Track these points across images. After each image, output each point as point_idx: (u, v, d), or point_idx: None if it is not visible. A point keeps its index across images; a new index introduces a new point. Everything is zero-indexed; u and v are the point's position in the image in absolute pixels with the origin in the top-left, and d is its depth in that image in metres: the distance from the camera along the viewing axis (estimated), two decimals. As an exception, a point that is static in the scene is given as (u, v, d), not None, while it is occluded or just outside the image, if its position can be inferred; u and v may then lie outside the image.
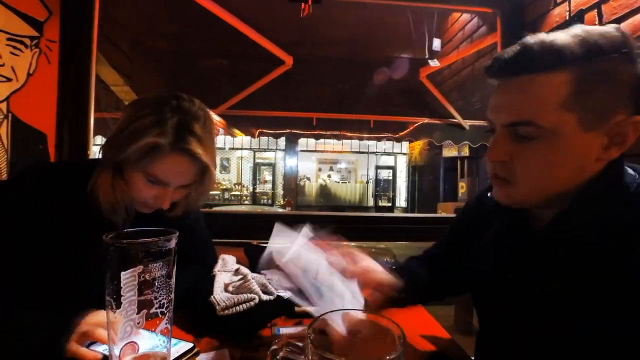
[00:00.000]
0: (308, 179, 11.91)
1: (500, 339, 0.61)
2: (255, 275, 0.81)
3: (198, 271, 0.85)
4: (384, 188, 12.05)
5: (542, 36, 0.46)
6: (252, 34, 2.64)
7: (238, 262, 0.91)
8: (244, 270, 0.81)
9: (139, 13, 2.89)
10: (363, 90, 3.53)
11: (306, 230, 0.63)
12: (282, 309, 0.77)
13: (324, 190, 11.57)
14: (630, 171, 0.49)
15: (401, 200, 11.86)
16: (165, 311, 0.43)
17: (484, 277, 0.62)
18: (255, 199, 11.02)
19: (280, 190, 11.06)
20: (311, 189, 11.48)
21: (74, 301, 0.62)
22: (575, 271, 0.47)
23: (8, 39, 1.06)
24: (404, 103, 3.85)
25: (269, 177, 11.67)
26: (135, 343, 0.41)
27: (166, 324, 0.43)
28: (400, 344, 0.30)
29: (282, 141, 10.45)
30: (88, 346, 0.57)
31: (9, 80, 1.07)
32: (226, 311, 0.68)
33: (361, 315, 0.40)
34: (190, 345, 0.61)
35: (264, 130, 4.02)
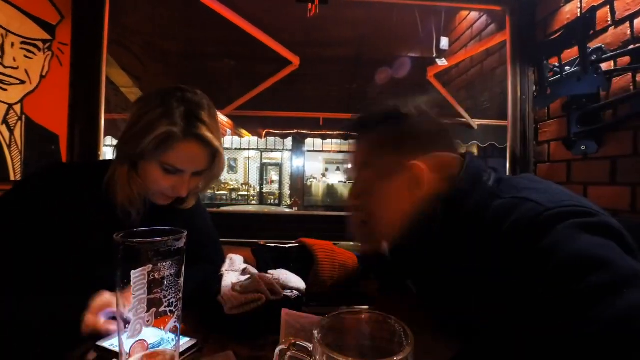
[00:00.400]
0: (315, 179, 11.91)
1: None
2: (262, 275, 0.81)
3: (206, 270, 0.86)
4: (391, 188, 11.97)
5: (368, 111, 0.66)
6: (260, 35, 2.65)
7: (245, 261, 0.92)
8: (252, 269, 0.82)
9: (148, 16, 2.93)
10: (370, 90, 3.51)
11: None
12: (289, 308, 0.77)
13: (331, 190, 11.55)
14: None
15: (408, 201, 11.77)
16: (174, 310, 0.43)
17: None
18: (262, 199, 11.07)
19: (287, 190, 11.08)
20: (318, 189, 11.47)
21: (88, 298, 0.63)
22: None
23: (22, 43, 1.08)
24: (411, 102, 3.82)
25: (275, 177, 11.71)
26: (145, 341, 0.41)
27: (175, 322, 0.44)
28: (408, 344, 0.30)
29: (289, 141, 10.47)
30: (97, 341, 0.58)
31: (22, 82, 1.10)
32: (233, 310, 0.69)
33: (369, 314, 0.41)
34: (194, 341, 0.61)
35: (271, 131, 4.04)
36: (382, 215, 0.60)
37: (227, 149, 11.32)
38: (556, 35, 1.32)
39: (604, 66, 1.11)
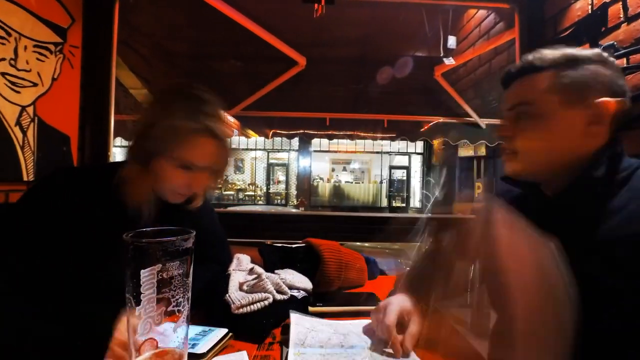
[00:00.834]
0: (321, 179, 11.91)
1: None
2: (269, 274, 0.81)
3: (214, 269, 0.87)
4: (398, 188, 11.91)
5: (539, 52, 0.64)
6: (266, 35, 2.66)
7: (252, 261, 0.92)
8: (258, 269, 0.82)
9: (157, 18, 2.96)
10: (376, 90, 3.50)
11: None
12: (296, 308, 0.77)
13: (337, 190, 11.54)
14: (632, 160, 0.59)
15: (415, 201, 11.70)
16: (182, 309, 0.43)
17: None
18: (269, 199, 11.12)
19: (293, 191, 11.11)
20: (324, 189, 11.47)
21: (101, 299, 0.63)
22: (583, 234, 0.56)
23: (34, 46, 1.11)
24: (419, 102, 3.80)
25: (282, 178, 11.74)
26: (154, 339, 0.42)
27: (183, 321, 0.44)
28: None
29: (295, 141, 10.49)
30: None
31: (35, 85, 1.12)
32: (241, 309, 0.69)
33: None
34: (225, 330, 0.64)
35: (278, 131, 4.05)
36: (543, 145, 0.61)
37: (234, 149, 11.33)
38: (567, 32, 1.30)
39: (617, 64, 1.09)
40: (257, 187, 11.27)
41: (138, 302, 0.40)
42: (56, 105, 1.21)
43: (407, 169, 11.88)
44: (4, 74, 1.01)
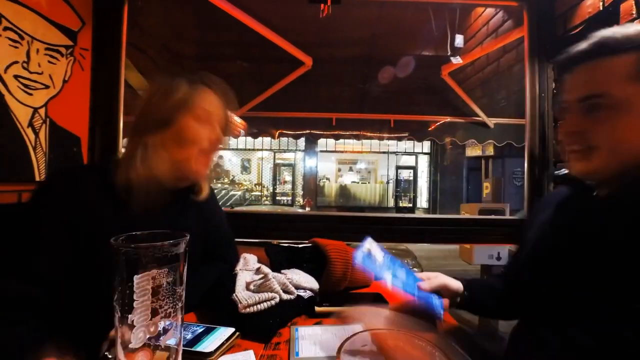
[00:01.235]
0: (327, 179, 11.91)
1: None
2: (275, 274, 0.82)
3: (221, 268, 0.88)
4: (405, 188, 11.85)
5: (613, 28, 0.55)
6: (272, 36, 2.67)
7: (259, 261, 0.92)
8: (265, 269, 0.82)
9: (165, 20, 2.99)
10: (383, 89, 3.49)
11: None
12: (303, 308, 0.77)
13: (343, 190, 11.53)
14: None
15: (422, 201, 11.63)
16: (172, 320, 0.40)
17: (544, 246, 0.65)
18: (275, 199, 11.16)
19: (299, 191, 11.13)
20: (331, 190, 11.47)
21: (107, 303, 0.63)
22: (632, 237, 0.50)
23: (46, 49, 1.13)
24: (425, 101, 3.77)
25: (288, 178, 11.78)
26: (148, 349, 0.40)
27: (175, 332, 0.41)
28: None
29: (301, 142, 10.52)
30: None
31: (47, 87, 1.14)
32: (248, 309, 0.70)
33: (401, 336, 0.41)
34: (232, 330, 0.64)
35: (284, 131, 4.06)
36: (628, 142, 0.52)
37: (240, 149, 11.45)
38: (577, 30, 1.28)
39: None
40: (264, 187, 11.32)
41: (124, 310, 0.37)
42: (67, 107, 1.23)
43: (414, 169, 11.82)
44: (17, 77, 1.03)
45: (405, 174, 11.94)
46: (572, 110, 0.57)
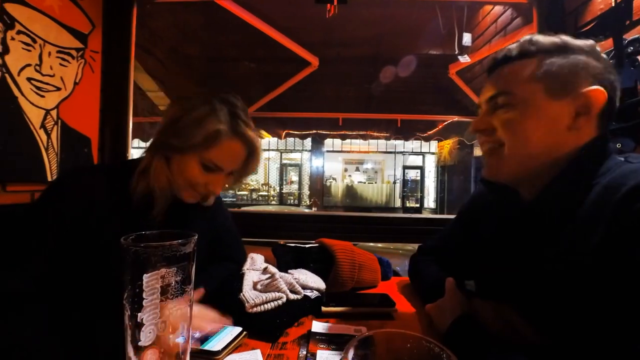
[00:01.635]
0: (334, 179, 11.90)
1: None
2: (282, 274, 0.82)
3: (229, 268, 0.88)
4: (412, 189, 11.76)
5: (530, 38, 0.58)
6: (279, 37, 2.68)
7: (266, 261, 0.93)
8: (272, 269, 0.83)
9: (173, 23, 3.03)
10: (389, 89, 3.47)
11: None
12: (310, 308, 0.77)
13: (350, 190, 11.50)
14: (619, 158, 0.53)
15: (430, 201, 11.54)
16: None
17: (485, 251, 0.69)
18: (282, 200, 11.19)
19: (306, 191, 11.14)
20: (337, 190, 11.46)
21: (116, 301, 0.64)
22: (557, 239, 0.52)
23: (58, 52, 1.15)
24: (433, 101, 3.75)
25: (295, 178, 11.79)
26: (157, 347, 0.40)
27: (182, 332, 0.41)
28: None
29: (308, 142, 10.52)
30: None
31: (58, 89, 1.17)
32: (255, 308, 0.70)
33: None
34: (239, 329, 0.64)
35: (291, 131, 4.07)
36: (528, 138, 0.55)
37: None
38: (588, 27, 1.25)
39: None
40: (271, 187, 11.36)
41: (134, 309, 0.37)
42: (78, 109, 1.25)
43: (421, 169, 11.73)
44: (30, 80, 1.05)
45: (412, 174, 11.86)
46: (482, 108, 0.62)
